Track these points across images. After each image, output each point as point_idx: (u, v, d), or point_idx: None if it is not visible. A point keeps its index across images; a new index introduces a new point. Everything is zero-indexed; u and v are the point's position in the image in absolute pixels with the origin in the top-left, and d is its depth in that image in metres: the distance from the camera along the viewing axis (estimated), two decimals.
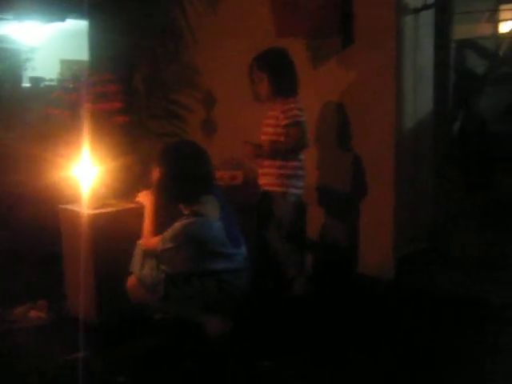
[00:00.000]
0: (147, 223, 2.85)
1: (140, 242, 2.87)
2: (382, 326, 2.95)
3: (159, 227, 2.81)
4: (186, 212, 2.80)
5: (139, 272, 2.79)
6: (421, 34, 3.55)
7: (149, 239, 2.82)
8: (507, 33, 6.18)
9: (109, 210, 3.00)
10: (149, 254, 2.80)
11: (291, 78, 3.17)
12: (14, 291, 3.32)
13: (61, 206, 3.11)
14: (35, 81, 6.99)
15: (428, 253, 3.68)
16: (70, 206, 3.06)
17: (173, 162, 2.78)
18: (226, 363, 2.58)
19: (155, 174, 2.79)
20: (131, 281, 2.83)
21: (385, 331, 2.90)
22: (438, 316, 3.07)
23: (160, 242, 2.73)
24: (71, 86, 4.57)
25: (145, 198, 2.92)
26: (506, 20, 6.29)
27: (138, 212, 2.92)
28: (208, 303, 2.75)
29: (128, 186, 3.16)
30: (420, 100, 3.62)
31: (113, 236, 2.89)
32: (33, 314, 3.18)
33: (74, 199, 3.09)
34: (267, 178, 3.22)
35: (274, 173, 3.18)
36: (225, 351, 2.67)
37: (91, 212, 2.90)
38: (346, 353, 2.70)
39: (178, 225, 2.73)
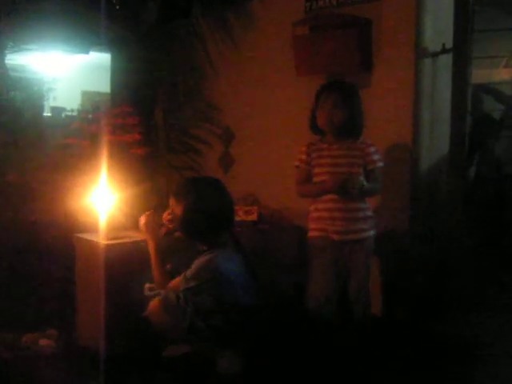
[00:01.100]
0: (156, 269, 2.83)
1: (147, 286, 2.86)
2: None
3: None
4: (204, 248, 2.79)
5: (165, 299, 2.74)
6: (439, 77, 3.58)
7: (165, 284, 2.79)
8: None
9: (124, 240, 3.00)
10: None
11: (363, 117, 3.06)
12: (25, 317, 3.31)
13: (76, 234, 3.13)
14: (56, 111, 7.10)
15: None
16: (85, 235, 3.08)
17: (196, 197, 2.73)
18: None
19: (176, 208, 2.76)
20: (154, 305, 2.76)
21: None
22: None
23: (182, 282, 2.69)
24: (91, 116, 4.65)
25: (151, 234, 2.90)
26: None
27: None
28: (227, 338, 2.72)
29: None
30: (436, 143, 3.64)
31: (127, 267, 2.90)
32: (42, 342, 3.17)
33: (90, 228, 3.11)
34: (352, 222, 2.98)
35: (362, 216, 2.99)
36: None
37: (107, 242, 2.91)
38: None
39: (200, 261, 2.69)
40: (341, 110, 2.95)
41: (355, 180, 2.84)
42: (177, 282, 2.73)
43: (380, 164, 3.00)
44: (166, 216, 2.99)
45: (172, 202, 2.78)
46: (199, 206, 2.71)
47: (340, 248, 2.97)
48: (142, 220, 2.94)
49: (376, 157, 2.99)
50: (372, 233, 3.03)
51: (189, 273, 2.69)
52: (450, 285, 3.66)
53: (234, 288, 2.71)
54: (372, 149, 3.00)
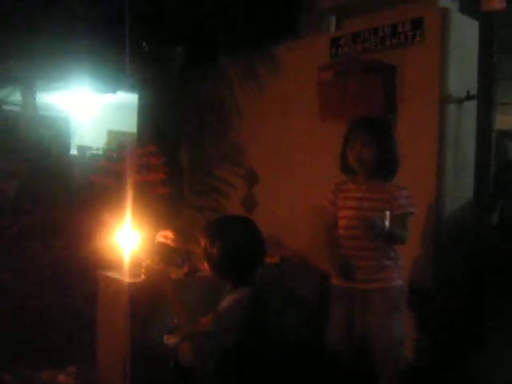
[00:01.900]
0: (181, 310, 2.72)
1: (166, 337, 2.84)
2: None
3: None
4: (233, 286, 2.77)
5: (195, 339, 2.71)
6: (463, 123, 3.59)
7: (192, 325, 2.72)
8: None
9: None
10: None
11: (397, 155, 2.86)
12: (45, 353, 3.32)
13: (100, 271, 3.14)
14: (82, 149, 7.22)
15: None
16: (109, 273, 3.10)
17: (231, 235, 2.69)
18: None
19: (208, 247, 2.70)
20: (184, 345, 2.70)
21: None
22: None
23: (213, 321, 2.64)
24: (116, 155, 4.72)
25: (159, 279, 2.80)
26: None
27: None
28: (253, 382, 2.68)
29: (167, 255, 3.18)
30: (460, 189, 3.62)
31: (149, 305, 2.90)
32: (61, 379, 3.17)
33: (114, 266, 3.12)
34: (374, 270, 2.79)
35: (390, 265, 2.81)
36: None
37: (130, 280, 2.92)
38: None
39: (231, 299, 2.64)
40: (370, 149, 2.77)
41: (371, 222, 2.63)
42: (207, 320, 2.71)
43: (410, 210, 2.79)
44: (160, 235, 3.00)
45: (204, 240, 2.76)
46: (234, 244, 2.68)
47: (359, 297, 2.81)
48: (148, 270, 2.85)
49: (404, 201, 2.78)
50: (399, 283, 2.81)
51: (219, 311, 2.67)
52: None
53: (266, 326, 2.69)
54: (402, 192, 2.80)
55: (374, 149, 2.77)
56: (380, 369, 2.77)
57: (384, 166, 2.81)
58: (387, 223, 2.63)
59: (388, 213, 2.65)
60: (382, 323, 2.75)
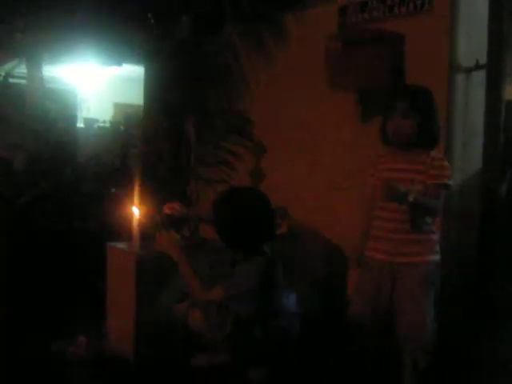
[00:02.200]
0: (193, 278, 2.76)
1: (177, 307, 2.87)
2: None
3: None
4: (243, 257, 2.78)
5: (206, 308, 2.74)
6: (472, 93, 3.56)
7: (206, 293, 2.74)
8: None
9: (155, 250, 3.01)
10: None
11: (436, 125, 2.74)
12: (56, 324, 3.35)
13: (109, 243, 3.16)
14: (89, 122, 7.22)
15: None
16: (118, 245, 3.11)
17: (241, 205, 2.74)
18: None
19: (219, 216, 2.75)
20: (195, 314, 2.78)
21: None
22: None
23: (225, 290, 2.69)
24: (123, 128, 4.72)
25: (171, 249, 2.84)
26: None
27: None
28: (263, 350, 2.71)
29: (175, 227, 3.18)
30: (469, 159, 3.61)
31: (158, 276, 2.92)
32: (71, 349, 3.20)
33: (123, 238, 3.14)
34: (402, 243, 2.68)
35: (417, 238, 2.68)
36: None
37: (138, 251, 2.93)
38: None
39: (242, 270, 2.70)
40: (409, 121, 2.66)
41: (390, 187, 2.55)
42: (217, 291, 2.73)
43: (444, 181, 2.63)
44: (167, 207, 3.02)
45: (214, 210, 2.78)
46: (242, 215, 2.71)
47: (388, 270, 2.71)
48: (160, 240, 2.91)
49: (437, 172, 2.63)
50: (430, 258, 2.68)
51: (231, 281, 2.70)
52: None
53: (277, 295, 2.72)
54: (437, 162, 2.65)
55: (413, 120, 2.66)
56: (403, 344, 2.71)
57: (423, 137, 2.69)
58: (413, 192, 2.54)
59: (417, 181, 2.59)
60: (408, 297, 2.66)
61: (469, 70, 3.49)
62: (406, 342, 2.69)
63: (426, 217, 2.67)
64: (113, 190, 3.54)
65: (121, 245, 3.10)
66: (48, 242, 3.82)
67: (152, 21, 4.74)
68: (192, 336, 2.83)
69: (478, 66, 3.50)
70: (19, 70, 6.00)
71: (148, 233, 2.99)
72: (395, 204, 2.60)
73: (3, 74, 5.70)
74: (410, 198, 2.52)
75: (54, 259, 3.76)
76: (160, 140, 3.93)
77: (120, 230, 3.17)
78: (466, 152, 3.57)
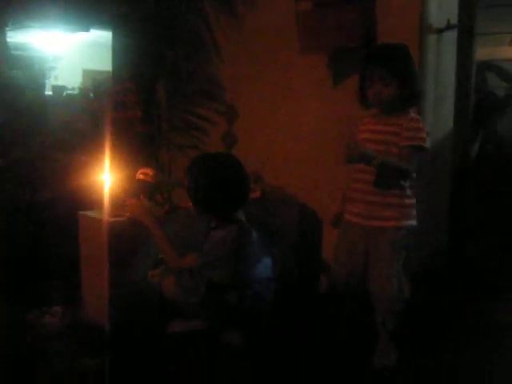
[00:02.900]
0: (166, 245, 2.76)
1: (151, 273, 2.87)
2: None
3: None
4: (218, 223, 2.77)
5: (179, 274, 2.73)
6: (443, 54, 3.55)
7: (179, 260, 2.76)
8: None
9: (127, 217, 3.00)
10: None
11: (417, 84, 2.76)
12: (30, 295, 3.33)
13: (80, 212, 3.13)
14: (58, 89, 7.06)
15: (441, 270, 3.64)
16: (89, 213, 3.08)
17: (213, 171, 2.70)
18: None
19: (191, 182, 2.71)
20: (168, 280, 2.78)
21: None
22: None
23: (199, 257, 2.69)
24: (92, 94, 4.63)
25: (143, 216, 2.83)
26: None
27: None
28: (237, 316, 2.71)
29: (147, 193, 3.16)
30: (440, 120, 3.62)
31: (131, 243, 2.91)
32: (46, 319, 3.19)
33: (94, 206, 3.11)
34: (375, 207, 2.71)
35: (389, 202, 2.69)
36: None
37: (110, 219, 2.91)
38: None
39: (216, 236, 2.69)
40: (390, 87, 2.64)
41: (351, 146, 2.55)
42: (191, 257, 2.73)
43: (417, 143, 2.62)
44: (141, 172, 3.01)
45: (187, 176, 2.76)
46: (216, 180, 2.68)
47: (363, 233, 2.76)
48: (131, 207, 2.89)
49: (411, 133, 2.62)
50: (403, 224, 2.70)
51: (205, 247, 2.69)
52: None
53: (252, 262, 2.72)
54: (411, 124, 2.64)
55: (393, 85, 2.64)
56: (375, 304, 2.77)
57: (404, 99, 2.69)
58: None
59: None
60: (380, 260, 2.71)
61: (440, 31, 3.49)
62: (376, 302, 2.75)
63: (396, 179, 2.67)
64: (83, 158, 3.49)
65: (92, 213, 3.07)
66: (19, 213, 3.77)
67: None
68: (167, 302, 2.83)
69: (449, 27, 3.49)
70: None
71: (120, 200, 2.96)
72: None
73: None
74: (375, 161, 2.54)
75: (25, 230, 3.72)
76: (130, 106, 3.86)
77: (91, 198, 3.13)
78: (438, 113, 3.58)
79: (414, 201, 2.75)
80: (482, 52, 4.52)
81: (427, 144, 2.67)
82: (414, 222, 2.74)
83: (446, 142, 3.71)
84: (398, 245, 2.70)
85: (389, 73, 2.64)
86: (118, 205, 2.95)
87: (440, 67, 3.56)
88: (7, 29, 5.93)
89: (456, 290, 3.56)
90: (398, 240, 2.70)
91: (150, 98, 4.31)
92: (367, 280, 2.79)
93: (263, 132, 4.04)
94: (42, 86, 6.77)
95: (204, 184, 2.68)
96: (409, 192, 2.72)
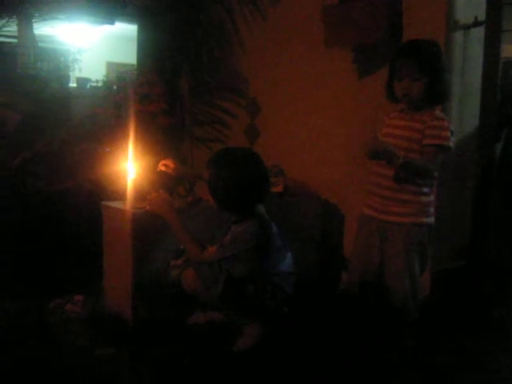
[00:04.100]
0: (186, 238, 2.76)
1: (172, 263, 2.88)
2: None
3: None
4: (238, 218, 2.78)
5: (199, 266, 2.74)
6: (469, 50, 3.52)
7: (200, 253, 2.75)
8: None
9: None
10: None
11: (446, 82, 2.72)
12: (53, 284, 3.36)
13: (104, 202, 3.15)
14: (82, 81, 7.13)
15: (464, 269, 3.61)
16: (112, 203, 3.10)
17: (233, 166, 2.71)
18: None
19: (211, 177, 2.73)
20: (188, 272, 2.80)
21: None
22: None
23: (218, 251, 2.70)
24: (116, 87, 4.67)
25: (163, 209, 2.83)
26: None
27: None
28: (256, 308, 2.73)
29: (169, 186, 3.18)
30: (465, 118, 3.59)
31: (154, 234, 2.92)
32: (68, 307, 3.22)
33: (118, 197, 3.12)
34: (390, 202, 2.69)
35: (405, 198, 2.66)
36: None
37: (133, 210, 2.92)
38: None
39: (236, 231, 2.70)
40: (418, 83, 2.61)
41: (374, 142, 2.52)
42: (211, 250, 2.74)
43: (440, 142, 2.58)
44: (162, 164, 3.01)
45: (208, 171, 2.76)
46: (236, 175, 2.68)
47: (378, 227, 2.75)
48: (151, 201, 2.88)
49: (435, 132, 2.58)
50: (418, 220, 2.67)
51: (225, 242, 2.70)
52: None
53: (271, 256, 2.73)
54: (435, 122, 2.60)
55: (422, 81, 2.61)
56: (389, 299, 2.75)
57: (433, 95, 2.66)
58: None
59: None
60: (394, 256, 2.70)
61: (467, 27, 3.45)
62: (392, 298, 2.74)
63: (416, 177, 2.65)
64: (107, 149, 3.51)
65: (116, 203, 3.09)
66: (43, 203, 3.80)
67: None
68: (187, 294, 2.85)
69: (476, 23, 3.45)
70: (10, 28, 5.90)
71: (142, 192, 2.98)
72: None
73: None
74: (398, 161, 2.50)
75: (49, 219, 3.75)
76: (154, 99, 3.89)
77: (115, 189, 3.15)
78: (463, 110, 3.54)
79: (431, 199, 2.73)
80: (509, 49, 4.46)
81: (451, 143, 2.63)
82: (430, 220, 2.72)
83: (471, 140, 3.67)
84: (414, 241, 2.68)
85: (418, 68, 2.61)
86: (140, 196, 2.96)
87: (466, 64, 3.52)
88: (34, 21, 6.00)
89: (476, 291, 3.52)
90: (413, 236, 2.67)
91: (173, 90, 4.33)
92: (383, 275, 2.78)
93: (286, 126, 4.05)
94: (67, 78, 6.86)
95: (224, 179, 2.69)
96: (427, 190, 2.69)
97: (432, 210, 2.73)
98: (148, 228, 2.91)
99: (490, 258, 3.69)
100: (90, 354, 2.67)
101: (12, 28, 6.00)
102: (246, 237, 2.67)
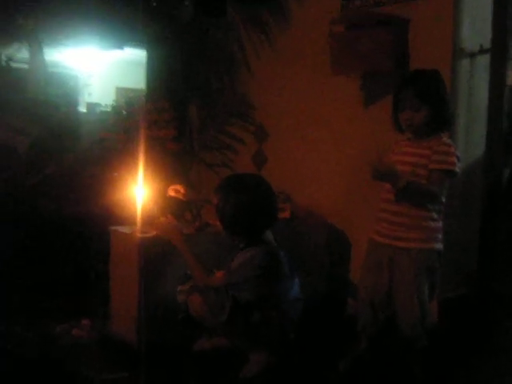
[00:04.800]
0: (194, 263, 2.76)
1: (179, 288, 2.88)
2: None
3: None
4: (244, 244, 2.79)
5: (206, 292, 2.74)
6: (475, 78, 3.54)
7: (207, 278, 2.76)
8: None
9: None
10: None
11: (448, 110, 2.78)
12: (60, 308, 3.37)
13: (112, 227, 3.17)
14: (91, 106, 7.19)
15: (471, 297, 3.60)
16: (120, 228, 3.12)
17: (243, 192, 2.73)
18: None
19: (220, 203, 2.75)
20: (195, 297, 2.79)
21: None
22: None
23: (225, 277, 2.71)
24: (125, 112, 4.71)
25: (171, 234, 2.84)
26: None
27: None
28: (262, 335, 2.73)
29: (177, 211, 3.19)
30: (472, 144, 3.60)
31: (161, 259, 2.93)
32: (75, 332, 3.23)
33: (126, 221, 3.14)
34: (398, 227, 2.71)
35: (414, 224, 2.68)
36: None
37: (141, 235, 2.94)
38: None
39: (244, 257, 2.71)
40: (421, 112, 2.68)
41: (374, 163, 2.53)
42: (219, 275, 2.74)
43: (446, 167, 2.62)
44: (172, 189, 3.03)
45: (216, 197, 2.78)
46: (245, 201, 2.71)
47: (386, 253, 2.75)
48: (159, 226, 2.90)
49: (442, 157, 2.62)
50: (427, 246, 2.68)
51: (232, 267, 2.70)
52: None
53: (279, 283, 2.73)
54: (442, 148, 2.65)
55: (425, 111, 2.67)
56: (399, 326, 2.75)
57: (436, 123, 2.71)
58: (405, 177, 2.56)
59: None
60: (403, 282, 2.70)
61: (472, 55, 3.48)
62: (401, 324, 2.73)
63: (421, 200, 2.66)
64: (115, 174, 3.54)
65: (124, 228, 3.11)
66: (52, 226, 3.82)
67: (154, 3, 4.72)
68: (194, 319, 2.85)
69: (481, 51, 3.48)
70: (21, 54, 5.98)
71: (150, 217, 2.99)
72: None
73: (5, 58, 5.68)
74: (401, 183, 2.54)
75: (58, 243, 3.77)
76: (163, 125, 3.92)
77: (123, 214, 3.17)
78: (469, 137, 3.56)
79: (440, 224, 2.74)
80: None
81: (457, 169, 2.65)
82: (439, 246, 2.73)
83: (478, 166, 3.68)
84: (422, 267, 2.68)
85: (419, 98, 2.67)
86: (148, 221, 2.98)
87: (472, 91, 3.54)
88: (44, 47, 6.07)
89: (485, 317, 3.50)
90: (422, 262, 2.67)
91: (182, 116, 4.36)
92: (392, 301, 2.78)
93: (293, 152, 4.07)
94: (76, 103, 6.92)
95: (233, 204, 2.70)
96: (435, 215, 2.71)
97: (440, 235, 2.74)
98: (155, 253, 2.93)
99: (498, 284, 3.68)
100: (95, 380, 2.67)
101: (23, 54, 6.07)
102: (254, 263, 2.67)
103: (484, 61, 3.52)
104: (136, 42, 5.59)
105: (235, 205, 2.70)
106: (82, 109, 7.26)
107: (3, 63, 5.67)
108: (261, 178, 2.90)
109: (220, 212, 2.75)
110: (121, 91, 8.50)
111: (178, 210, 3.19)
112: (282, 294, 2.77)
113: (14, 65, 5.83)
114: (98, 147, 4.36)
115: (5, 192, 3.88)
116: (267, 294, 2.71)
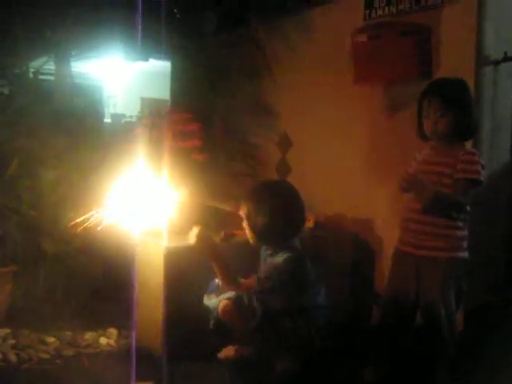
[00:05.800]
0: (224, 274, 2.73)
1: (206, 297, 2.89)
2: None
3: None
4: (270, 252, 2.81)
5: (238, 300, 2.73)
6: (500, 85, 3.53)
7: (238, 286, 2.75)
8: None
9: (186, 244, 3.03)
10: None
11: (473, 117, 2.78)
12: (88, 317, 3.41)
13: (139, 237, 3.19)
14: (116, 117, 7.27)
15: (496, 306, 3.57)
16: (147, 238, 3.15)
17: (275, 201, 2.74)
18: None
19: (252, 211, 2.76)
20: (226, 305, 2.75)
21: None
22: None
23: (256, 284, 2.70)
24: (150, 123, 4.75)
25: (206, 245, 2.78)
26: None
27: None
28: (290, 343, 2.72)
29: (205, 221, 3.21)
30: (496, 152, 3.58)
31: (187, 269, 2.95)
32: (102, 340, 3.27)
33: (152, 232, 3.17)
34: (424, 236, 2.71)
35: (440, 233, 2.68)
36: None
37: (168, 245, 2.97)
38: None
39: (274, 264, 2.71)
40: (445, 119, 2.68)
41: (401, 174, 2.62)
42: (248, 282, 2.75)
43: (471, 176, 2.61)
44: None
45: (247, 204, 2.79)
46: (276, 208, 2.72)
47: (413, 262, 2.75)
48: (193, 235, 2.92)
49: (467, 166, 2.61)
50: (453, 255, 2.68)
51: (262, 274, 2.72)
52: None
53: (307, 290, 2.74)
54: (466, 157, 2.64)
55: (449, 118, 2.68)
56: (425, 335, 2.74)
57: (460, 131, 2.72)
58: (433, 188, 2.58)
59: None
60: (429, 291, 2.70)
61: (497, 62, 3.47)
62: (427, 333, 2.72)
63: (448, 210, 2.66)
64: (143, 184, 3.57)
65: (150, 239, 3.14)
66: (82, 237, 3.87)
67: (178, 16, 4.77)
68: (221, 328, 2.86)
69: (505, 58, 3.47)
70: (48, 66, 6.06)
71: (177, 227, 3.02)
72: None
73: (33, 70, 5.77)
74: (428, 194, 2.56)
75: (84, 252, 3.81)
76: (189, 136, 3.96)
77: (149, 225, 3.19)
78: (494, 144, 3.55)
79: (465, 233, 2.73)
80: None
81: (482, 177, 2.64)
82: (465, 255, 2.72)
83: (502, 173, 3.66)
84: (448, 276, 2.68)
85: (443, 105, 2.68)
86: (174, 232, 3.00)
87: (496, 99, 3.53)
88: (71, 58, 6.15)
89: (510, 325, 3.47)
90: (448, 271, 2.67)
91: (206, 126, 4.39)
92: (418, 310, 2.78)
93: (317, 161, 4.08)
94: (102, 114, 7.01)
95: (264, 212, 2.72)
96: (461, 224, 2.70)
97: (466, 244, 2.73)
98: (181, 263, 2.95)
99: None
100: None
101: (50, 66, 6.16)
102: (283, 270, 2.69)
103: (508, 68, 3.51)
104: (161, 53, 5.64)
105: (266, 212, 2.71)
106: (108, 119, 7.34)
107: (31, 75, 5.75)
108: (290, 185, 2.92)
109: (251, 219, 2.77)
110: (146, 102, 8.58)
111: (203, 220, 3.20)
112: (310, 300, 2.78)
113: (40, 77, 5.92)
114: (124, 158, 4.40)
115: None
116: (296, 301, 2.72)
